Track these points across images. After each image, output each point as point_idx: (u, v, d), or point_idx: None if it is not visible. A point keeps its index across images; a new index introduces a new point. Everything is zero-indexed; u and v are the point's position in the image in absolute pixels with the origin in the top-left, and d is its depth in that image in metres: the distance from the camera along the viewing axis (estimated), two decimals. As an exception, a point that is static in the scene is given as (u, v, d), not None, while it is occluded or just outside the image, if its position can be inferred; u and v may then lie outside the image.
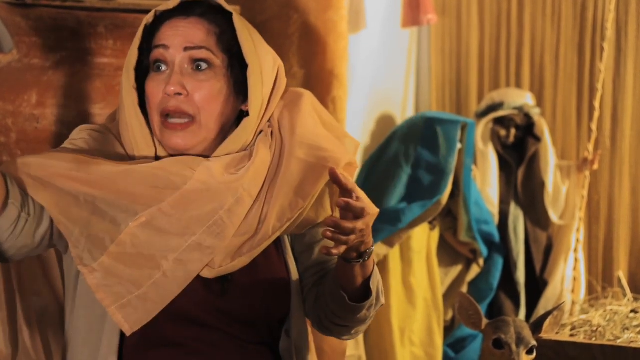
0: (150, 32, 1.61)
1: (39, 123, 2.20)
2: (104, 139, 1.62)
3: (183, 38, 1.56)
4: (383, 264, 3.42)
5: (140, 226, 1.52)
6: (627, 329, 2.77)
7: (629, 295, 3.30)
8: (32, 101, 2.20)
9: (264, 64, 1.62)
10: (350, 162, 1.67)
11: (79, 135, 1.63)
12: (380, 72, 4.05)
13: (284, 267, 1.67)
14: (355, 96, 3.63)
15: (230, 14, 1.61)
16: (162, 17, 1.60)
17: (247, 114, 1.62)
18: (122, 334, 1.56)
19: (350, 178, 1.52)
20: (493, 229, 3.71)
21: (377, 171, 3.56)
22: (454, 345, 3.63)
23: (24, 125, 2.21)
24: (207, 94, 1.57)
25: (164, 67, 1.58)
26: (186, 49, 1.56)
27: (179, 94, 1.56)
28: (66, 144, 1.63)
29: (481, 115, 4.00)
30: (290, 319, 1.68)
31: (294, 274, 1.68)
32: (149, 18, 1.59)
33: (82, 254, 1.52)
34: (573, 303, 3.62)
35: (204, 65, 1.58)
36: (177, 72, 1.56)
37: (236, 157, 1.60)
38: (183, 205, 1.54)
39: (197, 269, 1.54)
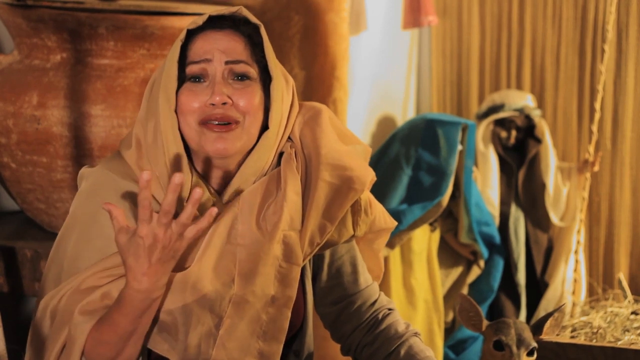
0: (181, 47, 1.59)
1: (40, 124, 2.20)
2: (107, 180, 1.60)
3: (223, 52, 1.56)
4: (384, 266, 3.42)
5: (228, 328, 1.53)
6: (628, 330, 2.77)
7: (630, 297, 3.30)
8: (33, 102, 2.20)
9: (284, 78, 1.63)
10: (372, 178, 1.68)
11: (84, 196, 1.61)
12: (381, 74, 4.05)
13: (301, 287, 1.69)
14: (356, 98, 3.63)
15: (256, 26, 1.60)
16: (193, 32, 1.59)
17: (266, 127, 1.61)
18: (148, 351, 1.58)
19: None
20: (494, 231, 3.71)
21: (377, 172, 3.51)
22: (455, 346, 3.63)
23: (24, 126, 2.21)
24: (251, 101, 1.56)
25: (202, 78, 1.56)
26: (227, 62, 1.56)
27: (225, 103, 1.54)
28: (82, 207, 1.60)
29: (482, 116, 4.00)
30: (301, 340, 1.70)
31: (310, 295, 1.70)
32: (182, 37, 1.57)
33: None
34: (574, 305, 3.63)
35: (244, 77, 1.57)
36: (220, 82, 1.55)
37: (263, 189, 1.59)
38: (248, 282, 1.54)
39: (286, 319, 1.57)
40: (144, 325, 1.49)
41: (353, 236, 1.69)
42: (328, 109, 1.70)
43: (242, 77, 1.57)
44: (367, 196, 1.71)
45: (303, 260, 1.59)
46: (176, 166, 1.54)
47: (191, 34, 1.58)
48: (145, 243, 1.40)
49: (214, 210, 1.42)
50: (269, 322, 1.55)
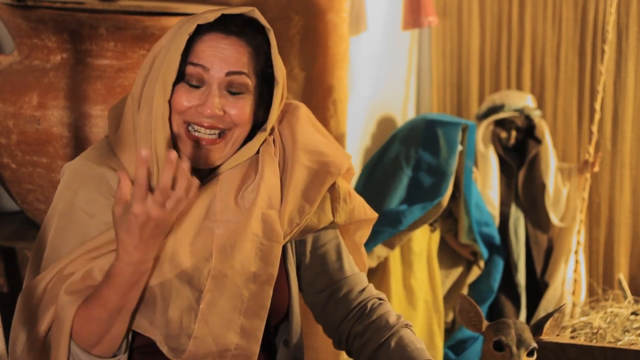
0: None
1: (40, 124, 2.20)
2: (93, 176, 1.60)
3: (225, 62, 1.55)
4: (384, 266, 3.42)
5: (208, 302, 1.55)
6: (628, 331, 2.77)
7: (630, 297, 3.30)
8: (33, 103, 2.21)
9: (283, 80, 1.64)
10: (349, 167, 1.71)
11: (67, 191, 1.60)
12: (381, 74, 4.05)
13: (284, 273, 1.70)
14: (356, 98, 3.63)
15: (263, 33, 1.60)
16: (200, 27, 1.57)
17: (259, 126, 1.63)
18: (133, 336, 1.59)
19: None
20: (494, 231, 3.71)
21: (377, 173, 3.56)
22: (455, 347, 3.63)
23: (24, 126, 2.21)
24: (242, 113, 1.58)
25: (199, 84, 1.56)
26: (228, 73, 1.56)
27: (215, 115, 1.56)
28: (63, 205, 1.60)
29: (482, 117, 4.00)
30: (289, 329, 1.71)
31: (294, 281, 1.71)
32: (190, 30, 1.55)
33: (170, 347, 1.55)
34: (574, 305, 3.63)
35: (241, 89, 1.58)
36: (215, 94, 1.55)
37: (242, 172, 1.61)
38: (226, 257, 1.56)
39: (268, 296, 1.59)
40: (132, 301, 1.50)
41: (333, 223, 1.71)
42: (306, 107, 1.74)
43: (241, 87, 1.57)
44: (346, 186, 1.73)
45: (283, 241, 1.62)
46: (161, 153, 1.55)
47: (198, 30, 1.57)
48: (138, 221, 1.42)
49: (196, 181, 1.45)
50: (251, 298, 1.57)
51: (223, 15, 1.57)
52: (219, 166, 1.61)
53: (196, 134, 1.56)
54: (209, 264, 1.55)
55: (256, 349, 1.58)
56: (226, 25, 1.57)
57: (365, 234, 1.82)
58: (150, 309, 1.54)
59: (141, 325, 1.56)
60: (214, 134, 1.57)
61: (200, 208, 1.56)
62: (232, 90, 1.57)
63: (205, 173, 1.62)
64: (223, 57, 1.56)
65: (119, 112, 1.66)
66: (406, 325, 1.71)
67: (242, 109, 1.57)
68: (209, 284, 1.54)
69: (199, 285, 1.54)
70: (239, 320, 1.56)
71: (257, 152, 1.64)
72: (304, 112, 1.71)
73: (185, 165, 1.42)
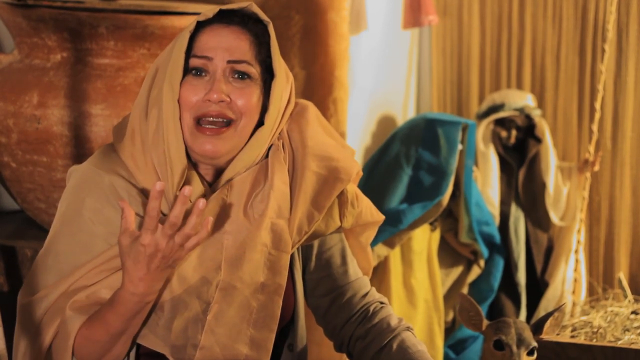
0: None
1: (40, 123, 2.20)
2: (98, 180, 1.59)
3: (227, 50, 1.57)
4: (384, 265, 3.42)
5: (216, 314, 1.54)
6: (628, 330, 2.77)
7: (630, 296, 3.30)
8: (33, 102, 2.21)
9: (286, 76, 1.64)
10: (358, 171, 1.70)
11: (76, 194, 1.59)
12: (381, 73, 4.05)
13: (291, 278, 1.70)
14: (356, 97, 3.63)
15: (264, 24, 1.61)
16: (202, 23, 1.59)
17: (261, 123, 1.63)
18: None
19: None
20: (494, 230, 3.71)
21: (378, 172, 3.56)
22: (455, 346, 3.63)
23: (25, 125, 2.21)
24: (249, 101, 1.58)
25: (203, 74, 1.57)
26: (229, 62, 1.57)
27: (222, 101, 1.56)
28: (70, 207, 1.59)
29: (482, 116, 4.00)
30: (294, 333, 1.71)
31: (300, 286, 1.71)
32: (191, 28, 1.57)
33: (176, 358, 1.55)
34: (574, 304, 3.62)
35: (245, 76, 1.58)
36: (220, 79, 1.56)
37: (252, 179, 1.60)
38: (235, 268, 1.55)
39: (277, 307, 1.58)
40: (135, 325, 1.51)
41: (340, 227, 1.70)
42: (314, 107, 1.72)
43: (243, 75, 1.58)
44: (353, 189, 1.73)
45: (292, 249, 1.61)
46: (174, 154, 1.55)
47: (200, 25, 1.59)
48: (146, 251, 1.42)
49: (210, 219, 1.45)
50: (260, 309, 1.57)
51: (222, 11, 1.58)
52: (228, 167, 1.60)
53: (204, 125, 1.56)
54: (218, 275, 1.54)
55: (266, 359, 1.58)
56: (227, 17, 1.59)
57: (371, 235, 1.81)
58: (155, 322, 1.54)
59: (147, 339, 1.55)
60: (222, 121, 1.56)
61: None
62: (237, 73, 1.57)
63: (214, 179, 1.62)
64: (225, 45, 1.57)
65: (123, 124, 1.66)
66: (407, 328, 1.71)
67: (248, 98, 1.57)
68: (217, 295, 1.54)
69: (207, 298, 1.54)
70: (248, 331, 1.56)
71: (267, 156, 1.64)
72: (313, 113, 1.70)
73: (201, 203, 1.41)
